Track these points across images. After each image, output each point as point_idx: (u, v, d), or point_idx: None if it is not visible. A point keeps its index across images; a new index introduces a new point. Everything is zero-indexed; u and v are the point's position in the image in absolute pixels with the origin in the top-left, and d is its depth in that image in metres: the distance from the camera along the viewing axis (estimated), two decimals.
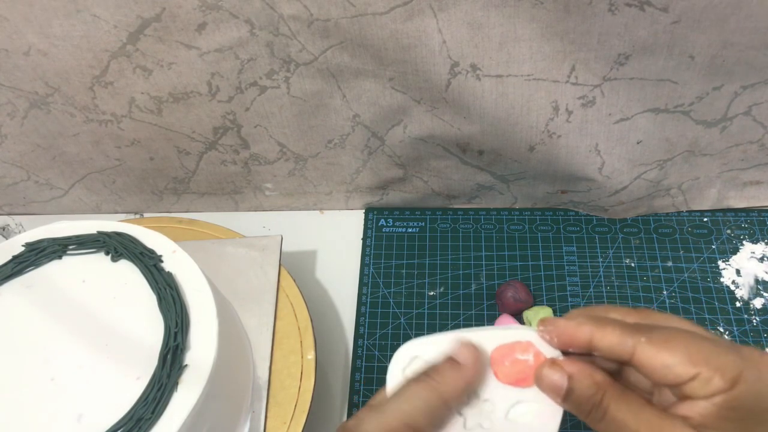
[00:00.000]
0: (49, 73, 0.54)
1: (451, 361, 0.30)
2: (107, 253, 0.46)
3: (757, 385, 0.27)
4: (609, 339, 0.29)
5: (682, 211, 0.65)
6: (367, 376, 0.56)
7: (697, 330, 0.30)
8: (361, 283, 0.62)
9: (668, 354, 0.28)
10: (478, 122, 0.56)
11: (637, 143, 0.58)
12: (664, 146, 0.58)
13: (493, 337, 0.31)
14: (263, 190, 0.68)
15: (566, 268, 0.62)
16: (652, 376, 0.28)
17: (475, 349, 0.31)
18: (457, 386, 0.30)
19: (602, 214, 0.65)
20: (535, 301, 0.59)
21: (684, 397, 0.28)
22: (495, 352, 0.31)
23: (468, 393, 0.30)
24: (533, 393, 0.30)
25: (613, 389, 0.29)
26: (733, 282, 0.60)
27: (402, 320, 0.59)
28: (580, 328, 0.30)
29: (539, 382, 0.30)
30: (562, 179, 0.62)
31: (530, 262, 0.63)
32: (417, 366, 0.31)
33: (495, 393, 0.31)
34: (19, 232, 0.65)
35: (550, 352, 0.31)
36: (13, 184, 0.67)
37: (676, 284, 0.60)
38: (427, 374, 0.30)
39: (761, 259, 0.61)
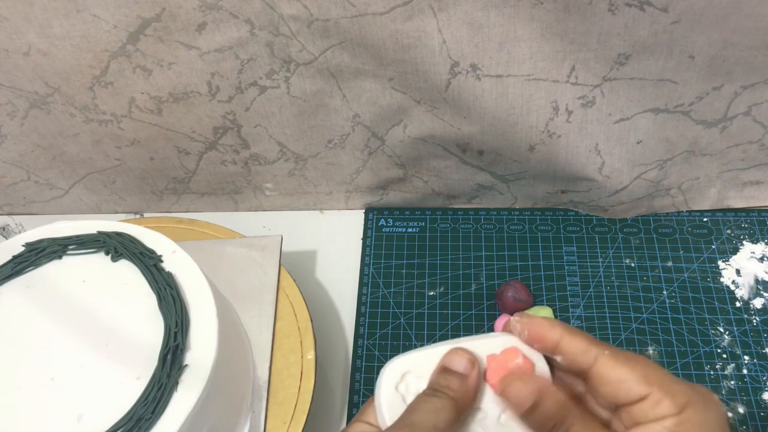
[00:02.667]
0: (49, 73, 0.54)
1: (451, 371, 0.31)
2: (107, 253, 0.46)
3: (704, 415, 0.28)
4: (576, 344, 0.30)
5: (682, 211, 0.65)
6: (367, 376, 0.56)
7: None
8: (361, 283, 0.62)
9: (625, 370, 0.29)
10: (478, 122, 0.56)
11: (637, 143, 0.58)
12: (664, 146, 0.58)
13: (481, 346, 0.32)
14: (263, 190, 0.68)
15: (566, 268, 0.62)
16: (606, 390, 0.29)
17: (470, 354, 0.31)
18: (468, 394, 0.30)
19: (602, 214, 0.65)
20: (535, 301, 0.59)
21: (633, 424, 0.29)
22: (488, 361, 0.31)
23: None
24: None
25: (575, 410, 0.30)
26: (733, 282, 0.60)
27: (402, 320, 0.59)
28: (552, 328, 0.31)
29: (506, 391, 0.30)
30: (562, 179, 0.62)
31: (530, 262, 0.63)
32: (411, 381, 0.31)
33: (486, 400, 0.31)
34: (19, 232, 0.65)
35: (534, 356, 0.32)
36: (13, 184, 0.67)
37: (676, 284, 0.60)
38: (436, 388, 0.30)
39: (761, 259, 0.61)
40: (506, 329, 0.33)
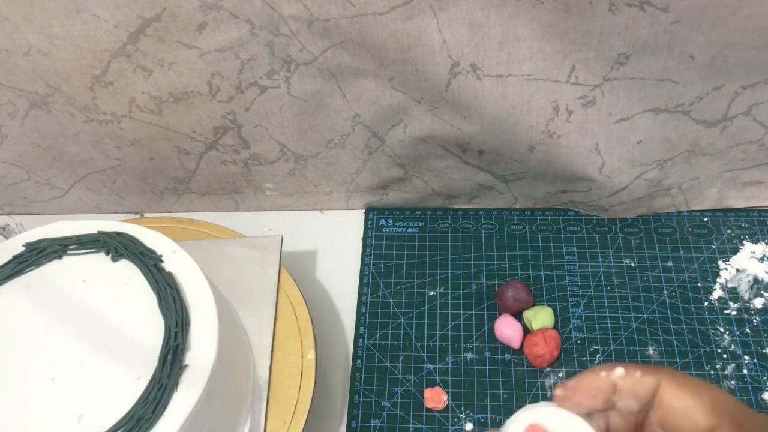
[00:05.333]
0: (50, 73, 0.54)
1: None
2: (107, 253, 0.46)
3: None
4: (633, 378, 0.28)
5: (683, 211, 0.65)
6: (367, 376, 0.56)
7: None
8: (361, 283, 0.62)
9: (692, 398, 0.26)
10: (478, 122, 0.56)
11: (638, 143, 0.58)
12: (665, 146, 0.58)
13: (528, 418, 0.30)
14: (263, 190, 0.68)
15: (566, 268, 0.62)
16: (670, 422, 0.27)
17: None
18: None
19: (602, 214, 0.65)
20: (535, 301, 0.59)
21: None
22: None
23: None
24: None
25: None
26: (734, 282, 0.60)
27: (402, 320, 0.59)
28: (600, 375, 0.28)
29: None
30: (563, 179, 0.62)
31: (530, 262, 0.62)
32: None
33: None
34: (19, 232, 0.65)
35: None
36: (14, 184, 0.67)
37: (676, 284, 0.60)
38: None
39: (761, 259, 0.61)
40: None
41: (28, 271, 0.45)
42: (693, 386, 0.27)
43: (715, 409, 0.26)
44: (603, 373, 0.28)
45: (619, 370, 0.28)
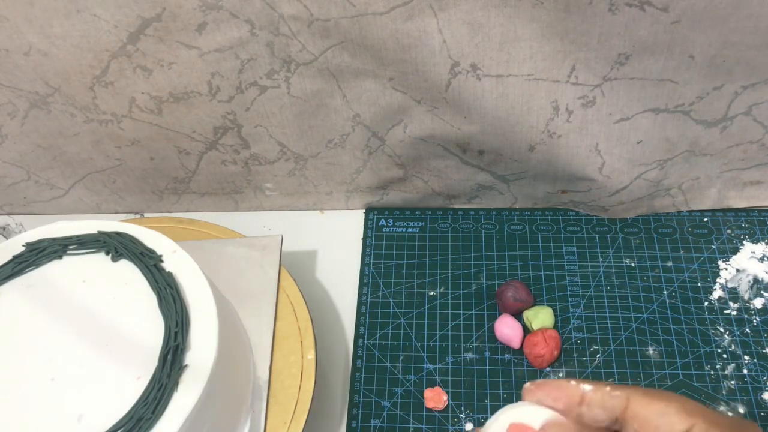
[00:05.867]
0: (50, 73, 0.54)
1: None
2: (107, 253, 0.46)
3: None
4: (602, 391, 0.29)
5: (683, 211, 0.65)
6: (367, 376, 0.56)
7: None
8: (361, 283, 0.62)
9: (663, 403, 0.28)
10: (478, 122, 0.56)
11: (638, 143, 0.58)
12: (665, 146, 0.58)
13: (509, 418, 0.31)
14: (263, 190, 0.68)
15: (566, 268, 0.62)
16: (645, 428, 0.28)
17: None
18: None
19: (602, 214, 0.65)
20: (535, 301, 0.59)
21: None
22: None
23: None
24: None
25: None
26: (734, 282, 0.60)
27: (402, 320, 0.59)
28: (570, 383, 0.30)
29: None
30: (563, 179, 0.62)
31: (530, 262, 0.62)
32: None
33: None
34: (19, 232, 0.65)
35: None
36: (14, 184, 0.67)
37: (676, 284, 0.60)
38: None
39: (761, 259, 0.61)
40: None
41: (28, 271, 0.45)
42: (661, 394, 0.29)
43: (687, 410, 0.27)
44: (573, 382, 0.30)
45: (588, 386, 0.30)
